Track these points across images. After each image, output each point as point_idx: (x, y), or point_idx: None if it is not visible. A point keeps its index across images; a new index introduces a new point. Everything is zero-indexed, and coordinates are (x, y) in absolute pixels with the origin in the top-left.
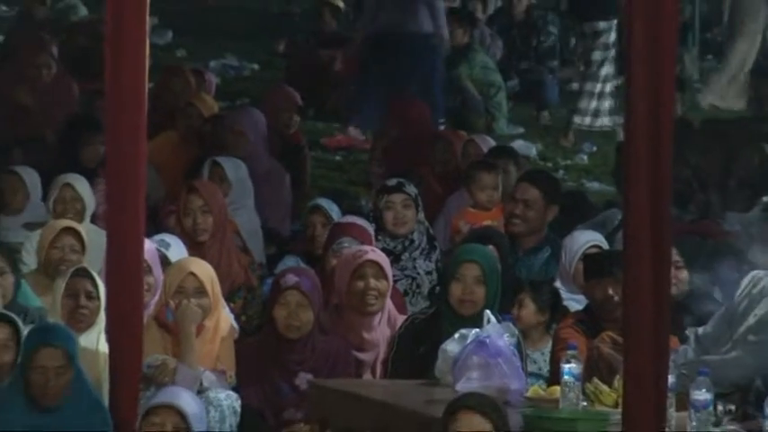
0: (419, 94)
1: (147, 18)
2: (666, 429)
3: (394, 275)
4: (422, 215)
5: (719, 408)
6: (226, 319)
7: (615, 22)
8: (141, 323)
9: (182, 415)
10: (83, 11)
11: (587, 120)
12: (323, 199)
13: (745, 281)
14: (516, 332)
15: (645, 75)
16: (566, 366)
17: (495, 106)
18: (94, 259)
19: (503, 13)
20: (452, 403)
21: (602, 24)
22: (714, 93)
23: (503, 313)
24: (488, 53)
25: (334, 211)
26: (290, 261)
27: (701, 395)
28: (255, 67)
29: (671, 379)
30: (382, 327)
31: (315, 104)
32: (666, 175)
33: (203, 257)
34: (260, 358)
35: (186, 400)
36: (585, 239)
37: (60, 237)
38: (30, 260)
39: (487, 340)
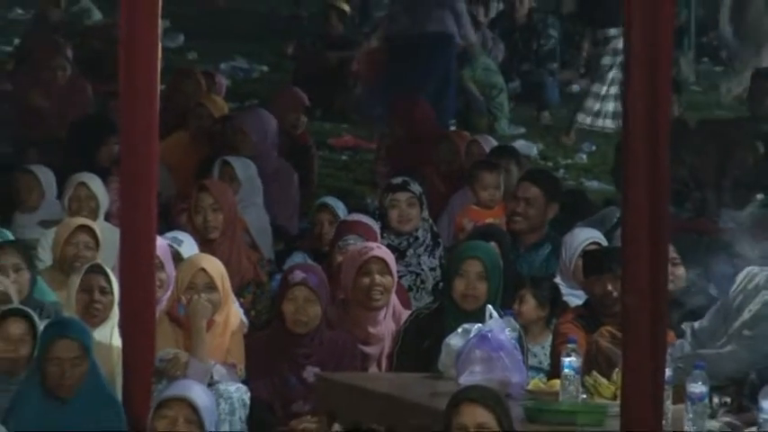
0: (434, 94)
1: (160, 22)
2: (663, 421)
3: (399, 271)
4: (426, 213)
5: (715, 400)
6: (235, 313)
7: None
8: (154, 318)
9: (193, 407)
10: (97, 15)
11: (589, 119)
12: (330, 197)
13: (740, 277)
14: (517, 327)
15: (643, 77)
16: (565, 360)
17: (497, 107)
18: (108, 256)
19: (504, 17)
20: (456, 396)
21: (612, 31)
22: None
23: (504, 308)
24: (490, 56)
25: (340, 209)
26: (297, 258)
27: (698, 388)
28: (264, 69)
29: (668, 372)
30: (387, 321)
31: (322, 105)
32: (664, 175)
33: (214, 254)
34: (269, 352)
35: (197, 393)
36: (585, 237)
37: (75, 234)
38: (45, 257)
39: (490, 334)
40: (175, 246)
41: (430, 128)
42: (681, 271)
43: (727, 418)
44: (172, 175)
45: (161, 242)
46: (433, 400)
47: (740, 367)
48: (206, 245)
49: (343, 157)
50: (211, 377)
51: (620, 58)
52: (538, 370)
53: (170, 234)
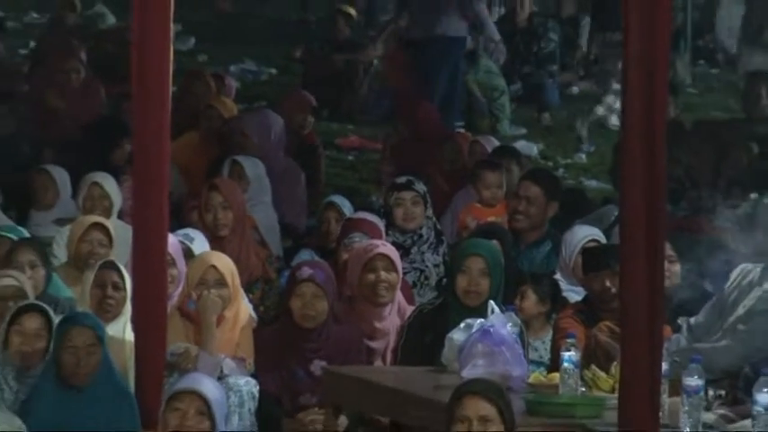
0: (442, 97)
1: (171, 26)
2: (660, 414)
3: (403, 268)
4: (430, 211)
5: (710, 393)
6: (245, 309)
7: None
8: (165, 313)
9: (204, 400)
10: (110, 19)
11: (613, 117)
12: (336, 196)
13: (735, 273)
14: (519, 322)
15: (640, 79)
16: (565, 354)
17: (499, 108)
18: (121, 253)
19: (506, 21)
20: (458, 389)
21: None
22: None
23: (506, 304)
24: (492, 58)
25: (346, 207)
26: (305, 254)
27: (693, 381)
28: (273, 71)
29: (664, 366)
30: (392, 316)
31: (329, 107)
32: (661, 174)
33: (223, 251)
34: (277, 346)
35: (208, 386)
36: (584, 234)
37: (89, 232)
38: (60, 254)
39: (491, 329)
40: (187, 242)
41: (433, 128)
42: (677, 268)
43: (722, 411)
44: (183, 174)
45: (172, 239)
46: (437, 393)
47: (735, 361)
48: (216, 242)
49: (350, 157)
50: (221, 371)
51: None
52: (538, 364)
53: (181, 231)
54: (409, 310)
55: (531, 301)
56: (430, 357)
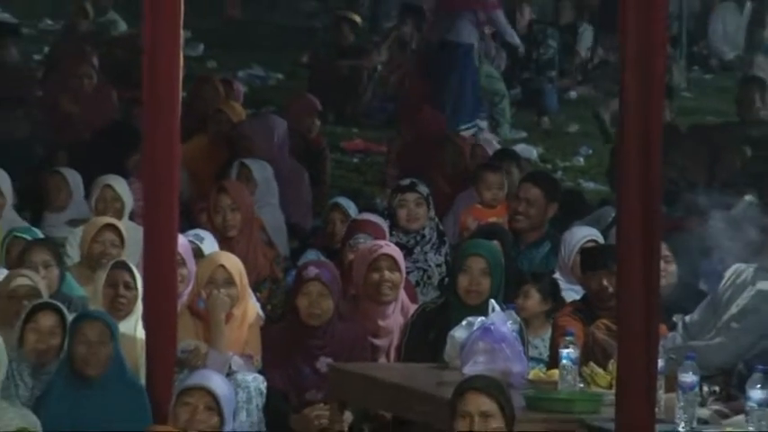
0: (454, 99)
1: (181, 32)
2: (656, 409)
3: (407, 268)
4: (432, 212)
5: (705, 389)
6: (252, 307)
7: None
8: (175, 311)
9: (212, 395)
10: (122, 26)
11: None
12: (342, 197)
13: (729, 273)
14: (518, 320)
15: (637, 84)
16: (564, 351)
17: (500, 113)
18: (132, 253)
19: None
20: (460, 385)
21: None
22: None
23: (506, 303)
24: (493, 64)
25: (351, 208)
26: (311, 254)
27: (688, 378)
28: (280, 76)
29: (660, 363)
30: (396, 315)
31: (334, 111)
32: (656, 176)
33: (232, 251)
34: (284, 344)
35: (217, 382)
36: (583, 234)
37: (101, 232)
38: (73, 254)
39: (492, 327)
40: (197, 242)
41: (436, 132)
42: (673, 267)
43: (716, 407)
44: (192, 176)
45: (182, 240)
46: (439, 389)
47: (728, 358)
48: (225, 242)
49: (354, 160)
50: (230, 367)
51: None
52: (538, 361)
53: (191, 232)
54: (412, 308)
55: (534, 299)
56: (433, 354)
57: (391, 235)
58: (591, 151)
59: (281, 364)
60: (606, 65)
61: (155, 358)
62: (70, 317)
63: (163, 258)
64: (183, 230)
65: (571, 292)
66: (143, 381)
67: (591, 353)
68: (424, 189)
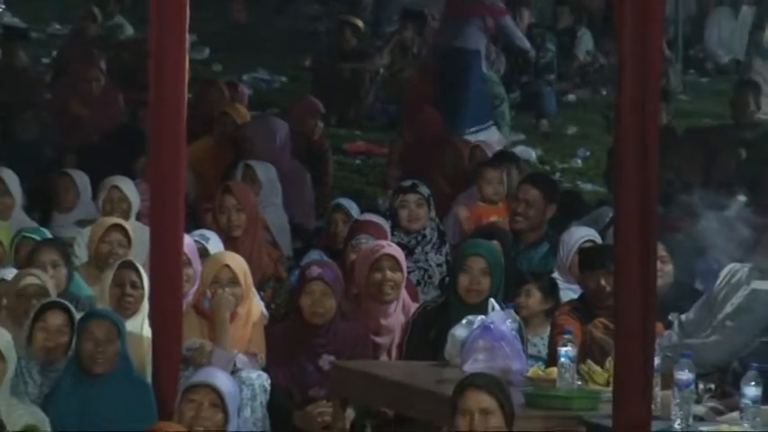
0: (462, 105)
1: (187, 36)
2: (652, 406)
3: (408, 267)
4: (433, 213)
5: (700, 386)
6: (257, 306)
7: None
8: (181, 310)
9: (217, 392)
10: (129, 30)
11: None
12: (344, 198)
13: (724, 272)
14: (518, 318)
15: (634, 87)
16: (562, 349)
17: (499, 115)
18: (139, 253)
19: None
20: (461, 382)
21: None
22: None
23: (506, 302)
24: (493, 68)
25: (353, 209)
26: (314, 254)
27: (684, 375)
28: (284, 79)
29: (657, 361)
30: (397, 314)
31: (337, 113)
32: (653, 178)
33: (237, 251)
34: (287, 342)
35: (221, 380)
36: (581, 235)
37: (109, 233)
38: (81, 254)
39: (492, 326)
40: (202, 242)
41: (436, 134)
42: (669, 267)
43: (711, 403)
44: (197, 177)
45: (188, 240)
46: (440, 387)
47: (723, 356)
48: (230, 242)
49: (357, 162)
50: (234, 365)
51: None
52: (537, 358)
53: (197, 232)
54: (414, 307)
55: (535, 298)
56: (433, 352)
57: (393, 235)
58: (589, 153)
59: (285, 361)
60: (605, 68)
61: (161, 356)
62: (78, 315)
63: (169, 258)
64: (188, 231)
65: (569, 292)
66: (149, 378)
67: (589, 351)
68: (424, 190)
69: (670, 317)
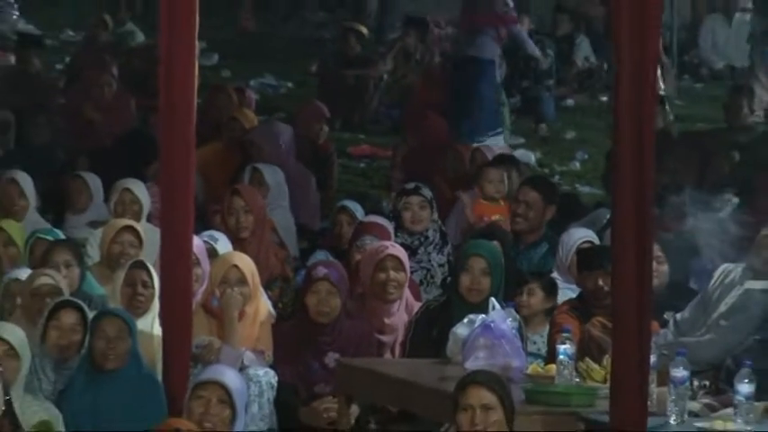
0: (474, 112)
1: (196, 43)
2: (649, 403)
3: (411, 267)
4: (436, 215)
5: (695, 383)
6: (264, 305)
7: None
8: (190, 309)
9: (226, 389)
10: (140, 37)
11: None
12: (349, 200)
13: (718, 272)
14: (518, 317)
15: (630, 92)
16: (561, 347)
17: (500, 119)
18: (150, 253)
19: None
20: (463, 379)
21: None
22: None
23: (506, 301)
24: None
25: (358, 211)
26: (320, 255)
27: (679, 372)
28: (291, 85)
29: (653, 358)
30: (401, 313)
31: (342, 118)
32: (649, 180)
33: (244, 252)
34: (294, 340)
35: (230, 377)
36: (579, 236)
37: (120, 234)
38: (93, 254)
39: (492, 324)
40: (211, 243)
41: (439, 139)
42: (665, 268)
43: (706, 400)
44: (206, 180)
45: (197, 241)
46: (442, 384)
47: (717, 354)
48: (238, 243)
49: (361, 165)
50: (242, 362)
51: None
52: (536, 356)
53: (206, 233)
54: (417, 306)
55: (538, 297)
56: (436, 350)
57: (396, 236)
58: (586, 156)
59: (292, 359)
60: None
61: (171, 354)
62: (90, 314)
63: (179, 258)
64: (198, 232)
65: (568, 291)
66: (159, 375)
67: (587, 349)
68: (427, 192)
69: (666, 316)
